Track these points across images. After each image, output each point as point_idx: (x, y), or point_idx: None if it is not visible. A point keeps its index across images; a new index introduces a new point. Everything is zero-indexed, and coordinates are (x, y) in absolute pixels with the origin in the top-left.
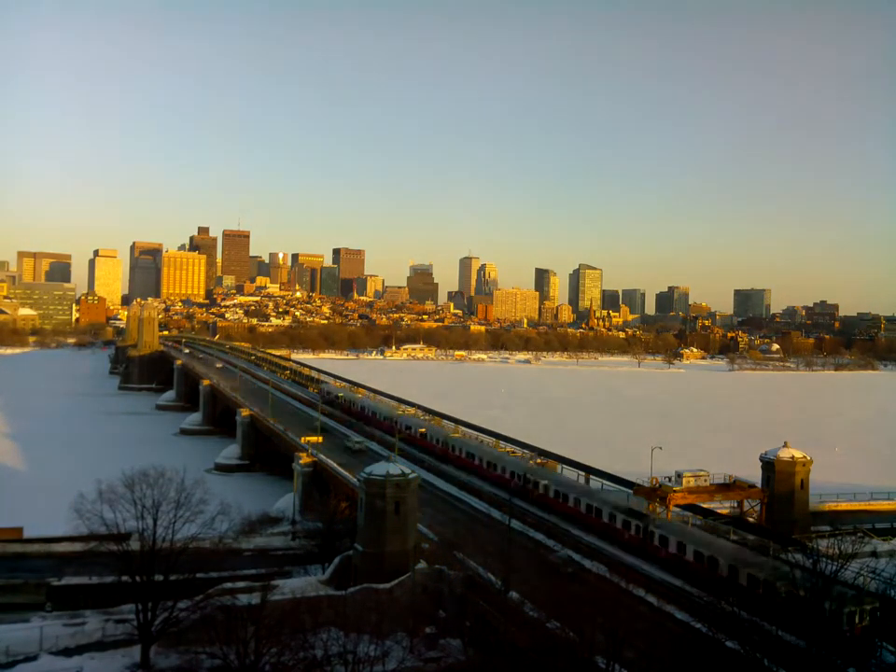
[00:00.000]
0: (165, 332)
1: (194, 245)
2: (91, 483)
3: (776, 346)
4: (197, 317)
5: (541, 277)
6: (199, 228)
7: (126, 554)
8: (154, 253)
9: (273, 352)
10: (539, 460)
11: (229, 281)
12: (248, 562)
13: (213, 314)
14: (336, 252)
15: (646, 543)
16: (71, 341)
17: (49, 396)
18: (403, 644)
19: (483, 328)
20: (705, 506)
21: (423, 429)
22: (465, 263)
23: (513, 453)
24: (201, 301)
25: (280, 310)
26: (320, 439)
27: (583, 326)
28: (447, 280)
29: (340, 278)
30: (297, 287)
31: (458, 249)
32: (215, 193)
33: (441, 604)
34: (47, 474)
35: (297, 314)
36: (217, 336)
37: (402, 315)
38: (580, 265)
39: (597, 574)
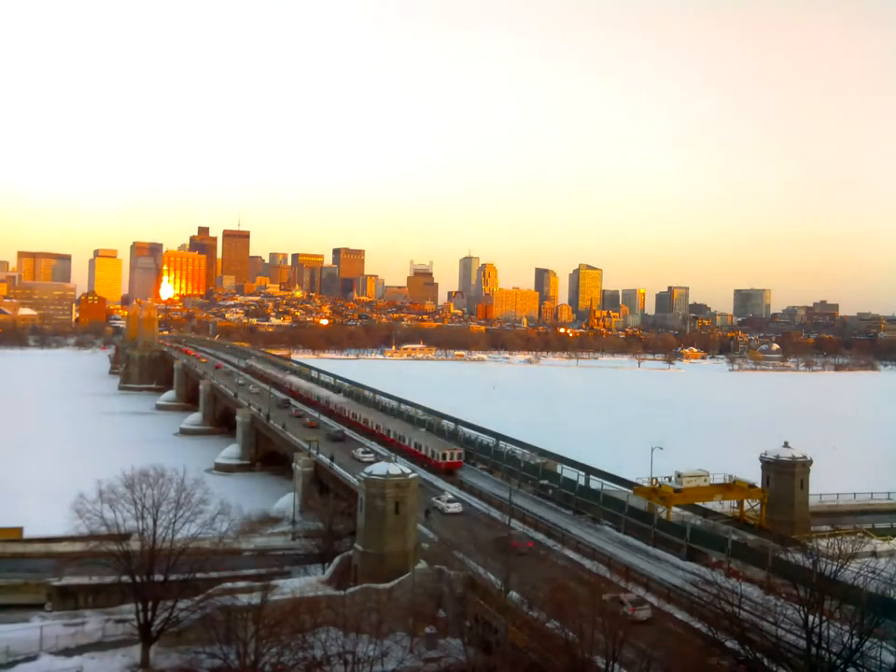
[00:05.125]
0: (165, 332)
1: (194, 245)
2: (91, 483)
3: (776, 346)
4: (197, 317)
5: (541, 277)
6: (199, 228)
7: (126, 554)
8: (154, 253)
9: (273, 352)
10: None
11: (229, 281)
12: (248, 562)
13: (213, 314)
14: (336, 252)
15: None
16: (71, 341)
17: (49, 396)
18: (403, 644)
19: (483, 328)
20: (705, 506)
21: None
22: (465, 263)
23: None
24: (201, 300)
25: (280, 310)
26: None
27: (583, 326)
28: (447, 280)
29: (340, 278)
30: (297, 287)
31: (458, 249)
32: (215, 193)
33: (440, 604)
34: (47, 474)
35: (297, 314)
36: (218, 336)
37: (402, 315)
38: (580, 265)
39: None
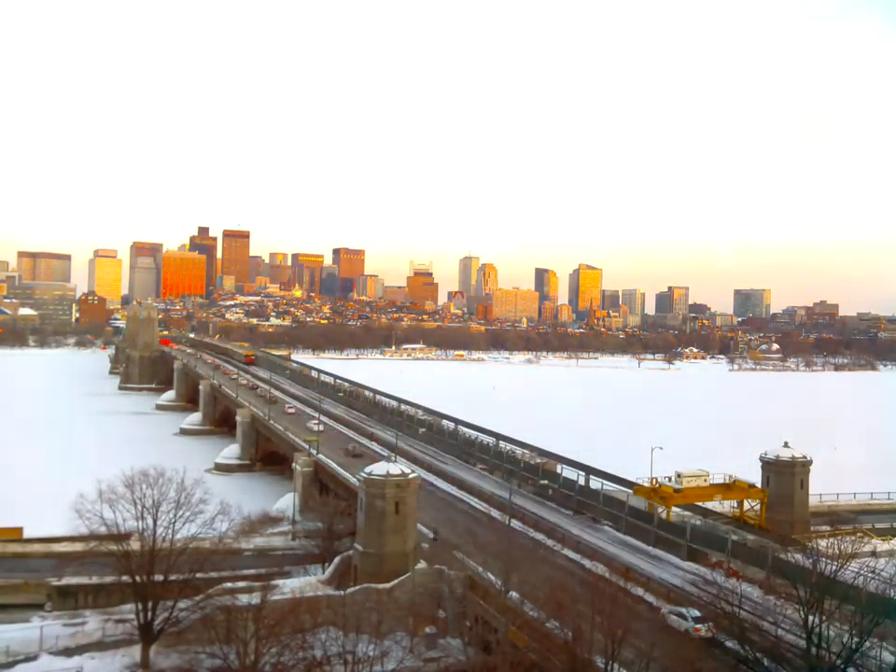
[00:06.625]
0: (165, 332)
1: (194, 245)
2: (91, 483)
3: (776, 346)
4: (197, 317)
5: (541, 277)
6: (199, 228)
7: (126, 554)
8: (154, 253)
9: (273, 352)
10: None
11: (229, 281)
12: (248, 562)
13: (213, 314)
14: (336, 252)
15: None
16: (71, 341)
17: (49, 396)
18: (403, 644)
19: (482, 328)
20: (705, 506)
21: None
22: (465, 263)
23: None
24: (201, 300)
25: (280, 310)
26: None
27: (583, 326)
28: (447, 280)
29: (340, 278)
30: (297, 287)
31: (458, 249)
32: (215, 193)
33: (440, 604)
34: (47, 474)
35: (297, 314)
36: (218, 336)
37: (402, 315)
38: (580, 265)
39: None
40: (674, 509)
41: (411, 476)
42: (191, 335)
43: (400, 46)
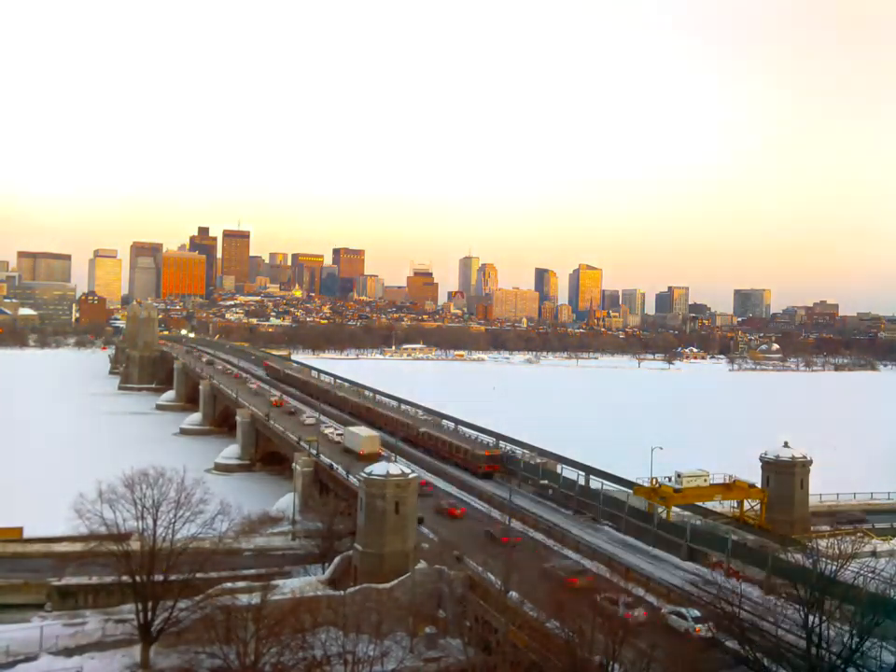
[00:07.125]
0: (165, 332)
1: (194, 245)
2: (91, 483)
3: (776, 346)
4: (197, 317)
5: (541, 277)
6: (199, 228)
7: (126, 554)
8: (154, 253)
9: (273, 352)
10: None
11: (229, 281)
12: (248, 562)
13: (213, 314)
14: (336, 252)
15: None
16: (71, 341)
17: (48, 396)
18: (403, 644)
19: (483, 328)
20: (705, 506)
21: None
22: (465, 263)
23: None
24: (201, 300)
25: (280, 310)
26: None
27: (583, 326)
28: (447, 280)
29: (340, 278)
30: (297, 287)
31: (458, 249)
32: (215, 193)
33: (440, 604)
34: (47, 474)
35: (297, 314)
36: (218, 336)
37: (402, 315)
38: (580, 265)
39: None
40: (674, 509)
41: (411, 476)
42: (191, 335)
43: (400, 46)
